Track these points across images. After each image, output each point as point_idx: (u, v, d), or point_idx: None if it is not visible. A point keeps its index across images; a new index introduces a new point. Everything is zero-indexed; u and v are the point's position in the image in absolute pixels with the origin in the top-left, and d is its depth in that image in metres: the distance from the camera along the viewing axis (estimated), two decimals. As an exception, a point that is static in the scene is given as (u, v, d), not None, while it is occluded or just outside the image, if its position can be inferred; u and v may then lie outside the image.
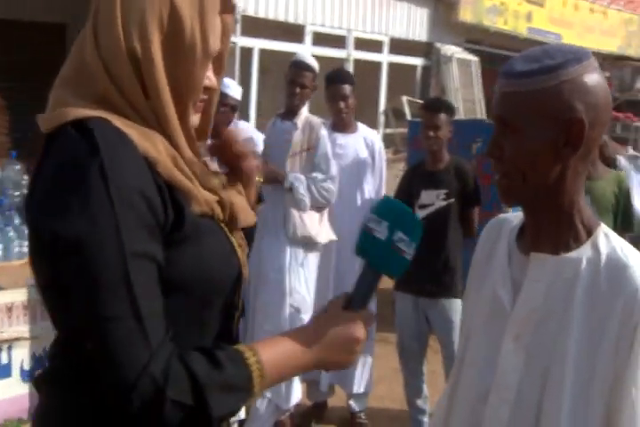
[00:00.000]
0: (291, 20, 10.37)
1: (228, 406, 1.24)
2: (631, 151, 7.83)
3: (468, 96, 13.26)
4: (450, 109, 4.27)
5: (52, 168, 1.24)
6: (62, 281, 1.22)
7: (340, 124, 4.48)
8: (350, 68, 10.84)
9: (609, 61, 19.48)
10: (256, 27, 9.74)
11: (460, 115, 12.50)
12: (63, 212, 1.20)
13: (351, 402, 4.57)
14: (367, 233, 1.39)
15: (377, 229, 1.38)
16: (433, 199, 4.18)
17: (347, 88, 4.38)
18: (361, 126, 4.61)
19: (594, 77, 1.28)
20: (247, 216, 1.45)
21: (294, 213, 4.06)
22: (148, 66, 1.29)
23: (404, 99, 11.97)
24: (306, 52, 10.66)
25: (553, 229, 1.34)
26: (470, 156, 5.69)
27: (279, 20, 10.19)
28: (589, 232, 1.34)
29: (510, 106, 1.30)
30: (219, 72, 1.43)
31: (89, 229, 1.19)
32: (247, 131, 4.45)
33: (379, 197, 4.66)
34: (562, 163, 1.29)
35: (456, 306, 4.27)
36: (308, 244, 4.13)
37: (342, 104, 4.40)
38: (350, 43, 11.46)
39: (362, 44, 11.67)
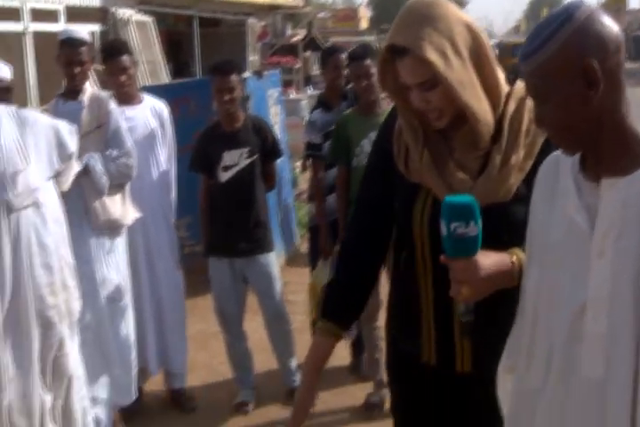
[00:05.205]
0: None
1: None
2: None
3: (149, 58, 13.07)
4: (239, 68, 4.22)
5: None
6: None
7: (125, 98, 4.19)
8: (30, 41, 10.17)
9: (263, 11, 20.18)
10: None
11: (145, 77, 12.31)
12: None
13: (172, 381, 4.51)
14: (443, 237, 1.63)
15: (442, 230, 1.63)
16: (236, 159, 4.18)
17: (125, 60, 4.11)
18: (146, 97, 4.37)
19: (590, 23, 1.39)
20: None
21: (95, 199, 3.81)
22: None
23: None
24: None
25: (614, 154, 1.43)
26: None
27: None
28: None
29: (533, 83, 1.46)
30: None
31: None
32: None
33: (171, 165, 4.54)
34: (594, 102, 1.39)
35: (272, 260, 4.38)
36: (114, 228, 3.90)
37: (123, 77, 4.14)
38: (26, 14, 10.74)
39: (39, 15, 11.00)
